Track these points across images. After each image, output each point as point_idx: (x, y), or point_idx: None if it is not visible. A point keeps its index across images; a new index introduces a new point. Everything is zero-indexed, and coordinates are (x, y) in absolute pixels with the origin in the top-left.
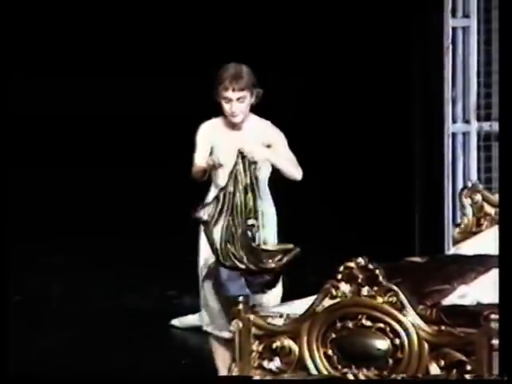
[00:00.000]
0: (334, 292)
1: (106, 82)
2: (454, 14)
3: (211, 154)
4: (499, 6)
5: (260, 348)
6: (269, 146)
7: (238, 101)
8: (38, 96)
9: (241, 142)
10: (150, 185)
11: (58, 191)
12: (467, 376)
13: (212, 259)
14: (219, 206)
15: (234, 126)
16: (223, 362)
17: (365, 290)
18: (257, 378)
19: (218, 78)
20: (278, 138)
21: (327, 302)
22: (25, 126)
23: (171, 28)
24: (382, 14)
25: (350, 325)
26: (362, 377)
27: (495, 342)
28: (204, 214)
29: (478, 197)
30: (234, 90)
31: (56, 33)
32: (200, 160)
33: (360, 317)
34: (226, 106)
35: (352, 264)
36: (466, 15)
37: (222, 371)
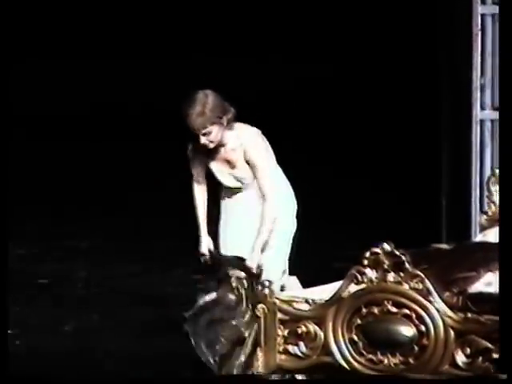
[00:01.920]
0: (359, 278)
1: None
2: (483, 1)
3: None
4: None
5: (285, 333)
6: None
7: (204, 136)
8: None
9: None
10: (177, 162)
11: (85, 173)
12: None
13: None
14: None
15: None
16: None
17: (391, 276)
18: (281, 362)
19: (183, 113)
20: (253, 152)
21: (353, 288)
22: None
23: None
24: (410, 1)
25: (376, 311)
26: (386, 363)
27: None
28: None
29: None
30: (198, 129)
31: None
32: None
33: (386, 303)
34: (197, 138)
35: (378, 250)
36: (495, 2)
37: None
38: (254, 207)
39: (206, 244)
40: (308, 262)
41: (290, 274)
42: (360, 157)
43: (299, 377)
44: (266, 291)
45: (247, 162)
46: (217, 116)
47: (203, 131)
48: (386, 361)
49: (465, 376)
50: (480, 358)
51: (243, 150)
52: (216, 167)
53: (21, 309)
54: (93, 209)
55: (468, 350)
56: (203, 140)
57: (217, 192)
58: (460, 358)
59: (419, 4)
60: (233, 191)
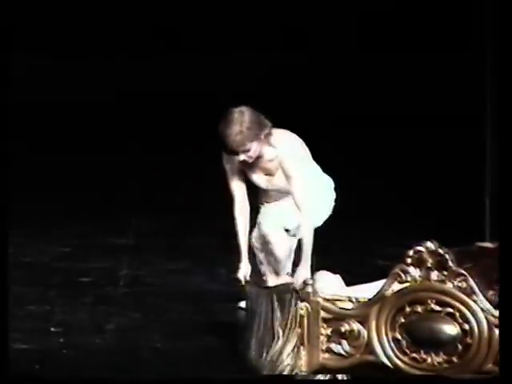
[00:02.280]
0: (403, 276)
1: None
2: None
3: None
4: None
5: (328, 331)
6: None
7: (243, 153)
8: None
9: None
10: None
11: (129, 170)
12: None
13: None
14: None
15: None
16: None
17: (434, 275)
18: (325, 361)
19: (220, 138)
20: (286, 163)
21: (396, 287)
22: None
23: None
24: None
25: (420, 309)
26: (430, 362)
27: None
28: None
29: None
30: (237, 149)
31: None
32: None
33: (429, 301)
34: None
35: (422, 248)
36: None
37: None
38: (293, 213)
39: (243, 271)
40: (351, 260)
41: (334, 272)
42: (406, 155)
43: (340, 377)
44: (310, 290)
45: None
46: (255, 133)
47: (242, 149)
48: (429, 360)
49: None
50: None
51: (279, 160)
52: (255, 177)
53: (63, 307)
54: (135, 207)
55: None
56: (243, 157)
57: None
58: None
59: None
60: (271, 195)
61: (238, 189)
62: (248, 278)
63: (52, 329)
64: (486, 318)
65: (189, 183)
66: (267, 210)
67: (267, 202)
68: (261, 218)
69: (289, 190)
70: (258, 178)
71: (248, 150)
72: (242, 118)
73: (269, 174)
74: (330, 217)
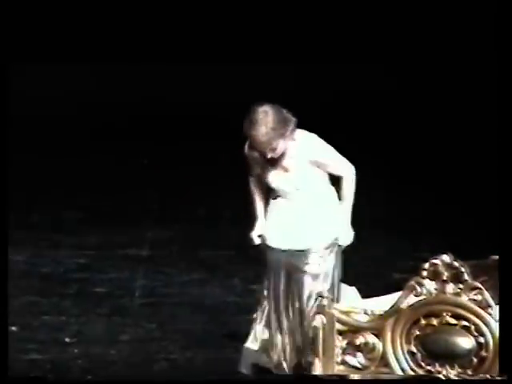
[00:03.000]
0: (418, 289)
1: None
2: None
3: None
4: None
5: (343, 344)
6: (314, 163)
7: (271, 151)
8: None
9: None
10: (237, 172)
11: (142, 184)
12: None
13: None
14: None
15: None
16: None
17: (450, 288)
18: (340, 373)
19: (246, 136)
20: (320, 152)
21: (412, 299)
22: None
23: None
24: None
25: (435, 322)
26: (445, 374)
27: None
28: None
29: None
30: (264, 149)
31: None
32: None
33: (444, 314)
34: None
35: (437, 261)
36: None
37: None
38: (304, 210)
39: (257, 231)
40: (367, 273)
41: (350, 284)
42: (422, 168)
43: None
44: (325, 302)
45: (317, 167)
46: (280, 132)
47: (269, 148)
48: (444, 372)
49: None
50: None
51: (306, 159)
52: (272, 171)
53: (79, 317)
54: (152, 217)
55: None
56: (270, 155)
57: (267, 195)
58: None
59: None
60: (284, 194)
61: (257, 174)
62: (262, 239)
63: (67, 339)
64: None
65: (204, 195)
66: (278, 211)
67: (279, 200)
68: (271, 217)
69: (302, 188)
70: (275, 174)
71: (275, 149)
72: (266, 119)
73: (286, 170)
74: None
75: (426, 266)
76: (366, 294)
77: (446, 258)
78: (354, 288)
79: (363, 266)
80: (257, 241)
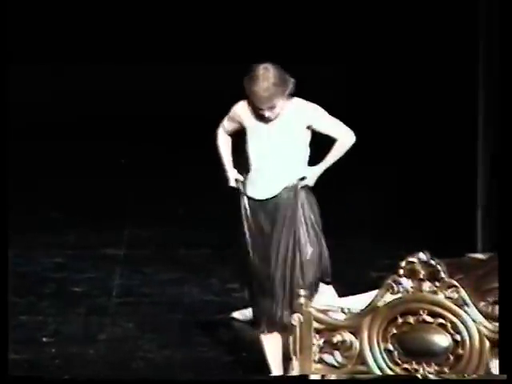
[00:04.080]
0: (395, 287)
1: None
2: None
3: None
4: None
5: (321, 342)
6: (309, 127)
7: (269, 109)
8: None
9: (277, 128)
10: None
11: (123, 181)
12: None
13: None
14: None
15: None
16: (274, 357)
17: (426, 286)
18: (317, 372)
19: (246, 91)
20: (316, 114)
21: (389, 297)
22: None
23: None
24: None
25: (411, 320)
26: (422, 372)
27: None
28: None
29: None
30: (264, 105)
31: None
32: (226, 129)
33: (421, 312)
34: (259, 111)
35: (414, 259)
36: None
37: (274, 367)
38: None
39: (232, 175)
40: (344, 272)
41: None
42: (397, 168)
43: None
44: (302, 300)
45: (311, 130)
46: (281, 90)
47: (269, 105)
48: (421, 370)
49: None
50: None
51: (302, 123)
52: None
53: (56, 317)
54: (129, 217)
55: None
56: (268, 114)
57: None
58: (495, 368)
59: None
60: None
61: (230, 127)
62: (239, 178)
63: (44, 339)
64: (478, 329)
65: (182, 194)
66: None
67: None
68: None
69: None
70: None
71: (274, 107)
72: (268, 74)
73: (277, 133)
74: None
75: (403, 264)
76: (343, 292)
77: (422, 256)
78: (330, 287)
79: (340, 265)
80: (233, 183)
